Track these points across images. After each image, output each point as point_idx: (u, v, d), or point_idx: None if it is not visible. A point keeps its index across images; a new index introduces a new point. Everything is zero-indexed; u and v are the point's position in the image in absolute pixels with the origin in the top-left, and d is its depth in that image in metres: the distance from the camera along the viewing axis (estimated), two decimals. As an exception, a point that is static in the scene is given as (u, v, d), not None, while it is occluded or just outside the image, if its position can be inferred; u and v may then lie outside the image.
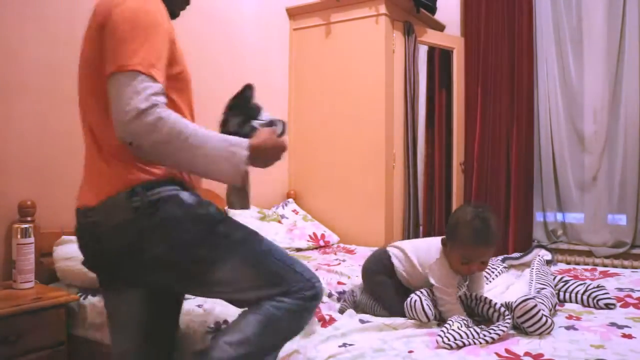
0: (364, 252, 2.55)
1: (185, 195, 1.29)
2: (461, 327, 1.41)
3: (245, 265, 1.29)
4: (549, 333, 1.41)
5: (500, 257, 2.14)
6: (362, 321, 1.59)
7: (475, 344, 1.35)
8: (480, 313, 1.59)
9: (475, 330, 1.40)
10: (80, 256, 1.92)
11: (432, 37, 3.53)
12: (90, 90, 1.38)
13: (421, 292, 1.60)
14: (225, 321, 1.59)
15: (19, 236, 1.91)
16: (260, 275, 1.30)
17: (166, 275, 1.29)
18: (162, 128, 1.14)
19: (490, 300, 1.56)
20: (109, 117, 1.21)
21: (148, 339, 1.42)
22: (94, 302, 1.88)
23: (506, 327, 1.41)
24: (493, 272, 2.04)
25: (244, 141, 1.25)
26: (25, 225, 1.93)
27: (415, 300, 1.55)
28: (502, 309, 1.51)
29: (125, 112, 1.13)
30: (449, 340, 1.33)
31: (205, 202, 1.33)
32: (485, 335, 1.37)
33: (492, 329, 1.41)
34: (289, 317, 1.29)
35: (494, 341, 1.36)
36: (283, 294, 1.28)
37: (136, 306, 1.40)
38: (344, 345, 1.39)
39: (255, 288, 1.29)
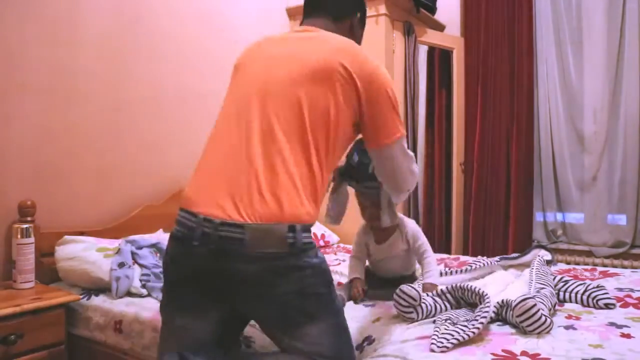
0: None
1: (316, 249, 1.33)
2: (448, 328, 1.41)
3: (329, 333, 1.32)
4: (548, 332, 1.41)
5: (496, 257, 2.14)
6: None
7: (468, 336, 1.35)
8: (467, 300, 1.62)
9: (463, 324, 1.41)
10: (83, 256, 1.93)
11: (432, 37, 3.53)
12: (317, 123, 1.34)
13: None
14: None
15: (19, 236, 1.92)
16: (335, 346, 1.32)
17: (273, 311, 1.30)
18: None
19: (472, 287, 1.58)
20: (328, 153, 1.34)
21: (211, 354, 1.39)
22: (97, 302, 1.89)
23: (487, 309, 1.42)
24: (481, 269, 2.04)
25: None
26: (25, 225, 1.94)
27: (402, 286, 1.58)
28: (481, 291, 1.53)
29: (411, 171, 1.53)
30: (442, 344, 1.33)
31: (323, 257, 1.37)
32: (473, 325, 1.38)
33: (477, 315, 1.42)
34: None
35: (483, 326, 1.38)
36: None
37: (214, 325, 1.37)
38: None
39: (322, 355, 1.30)
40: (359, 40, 1.69)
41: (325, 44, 1.42)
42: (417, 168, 1.58)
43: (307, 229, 1.29)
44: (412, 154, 1.55)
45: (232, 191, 1.29)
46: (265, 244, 1.25)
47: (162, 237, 2.28)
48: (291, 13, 3.52)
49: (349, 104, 1.37)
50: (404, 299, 1.57)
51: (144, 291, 1.94)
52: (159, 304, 1.46)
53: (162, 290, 1.43)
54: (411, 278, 1.96)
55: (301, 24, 1.60)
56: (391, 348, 1.38)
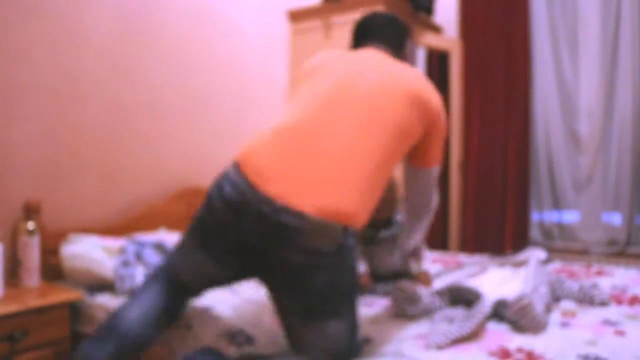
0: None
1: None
2: (445, 325, 1.44)
3: (347, 330, 1.34)
4: (543, 330, 1.44)
5: (487, 255, 2.16)
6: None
7: (464, 333, 1.37)
8: (463, 298, 1.65)
9: (459, 323, 1.43)
10: (87, 255, 1.95)
11: (429, 39, 3.56)
12: (393, 140, 1.43)
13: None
14: (242, 331, 1.59)
15: (24, 235, 1.94)
16: (349, 343, 1.35)
17: (303, 300, 1.32)
18: None
19: (468, 285, 1.62)
20: (390, 167, 1.44)
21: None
22: (102, 300, 1.90)
23: (483, 307, 1.45)
24: (476, 266, 2.07)
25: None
26: (30, 224, 1.96)
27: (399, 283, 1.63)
28: (477, 289, 1.57)
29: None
30: (438, 341, 1.35)
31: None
32: (470, 323, 1.41)
33: (474, 313, 1.44)
34: None
35: (479, 324, 1.41)
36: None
37: (224, 279, 1.45)
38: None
39: (337, 351, 1.33)
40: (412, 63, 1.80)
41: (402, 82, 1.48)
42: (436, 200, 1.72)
43: (355, 232, 1.35)
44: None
45: (300, 176, 1.30)
46: (319, 240, 1.27)
47: (164, 236, 2.31)
48: (291, 15, 3.54)
49: (416, 137, 1.51)
50: (402, 295, 1.60)
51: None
52: None
53: (190, 228, 1.45)
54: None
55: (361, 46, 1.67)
56: (389, 347, 1.40)
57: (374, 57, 1.54)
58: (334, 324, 1.32)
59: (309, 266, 1.29)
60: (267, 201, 1.27)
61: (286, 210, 1.26)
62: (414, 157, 1.60)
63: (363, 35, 1.66)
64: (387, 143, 1.39)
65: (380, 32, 1.65)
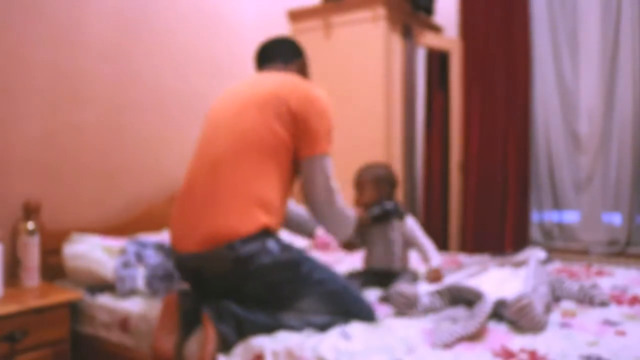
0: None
1: (270, 245, 1.54)
2: (449, 326, 1.44)
3: (320, 302, 1.54)
4: (542, 330, 1.44)
5: (487, 255, 2.16)
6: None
7: (469, 333, 1.38)
8: (464, 298, 1.65)
9: (463, 322, 1.44)
10: (89, 255, 2.01)
11: (430, 39, 3.56)
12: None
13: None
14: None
15: (23, 235, 1.94)
16: (334, 308, 1.54)
17: (262, 300, 1.55)
18: None
19: (469, 285, 1.62)
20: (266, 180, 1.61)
21: None
22: (103, 301, 1.91)
23: (486, 306, 1.46)
24: (476, 266, 2.07)
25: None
26: (30, 224, 1.96)
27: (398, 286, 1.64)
28: (478, 289, 1.57)
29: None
30: (444, 339, 1.35)
31: (287, 246, 1.58)
32: (474, 322, 1.41)
33: (476, 313, 1.45)
34: None
35: (481, 325, 1.41)
36: (350, 316, 1.54)
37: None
38: (344, 334, 1.43)
39: (331, 321, 1.52)
40: (308, 76, 2.01)
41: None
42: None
43: (249, 240, 1.50)
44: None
45: (183, 225, 1.63)
46: (215, 266, 1.54)
47: (167, 237, 2.30)
48: (291, 15, 3.54)
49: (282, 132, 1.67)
50: (402, 297, 1.60)
51: (149, 291, 1.95)
52: None
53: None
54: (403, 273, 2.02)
55: (259, 70, 1.93)
56: (394, 338, 1.40)
57: (252, 81, 1.76)
58: (302, 303, 1.53)
59: (230, 286, 1.55)
60: (178, 255, 1.64)
61: (185, 256, 1.59)
62: (300, 148, 1.67)
63: (260, 59, 1.94)
64: (251, 155, 1.58)
65: (273, 53, 1.91)
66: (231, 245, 1.50)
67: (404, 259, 2.06)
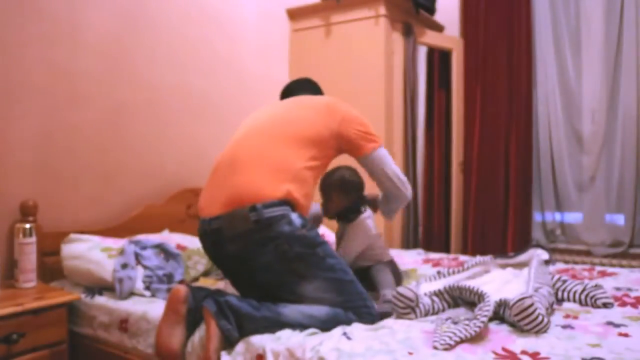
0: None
1: (294, 216, 1.60)
2: (450, 326, 1.43)
3: (326, 288, 1.58)
4: (545, 332, 1.42)
5: (489, 256, 2.15)
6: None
7: (470, 334, 1.36)
8: (465, 299, 1.64)
9: (464, 324, 1.42)
10: (87, 256, 2.02)
11: (431, 38, 3.54)
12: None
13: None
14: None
15: (20, 235, 1.92)
16: (337, 297, 1.58)
17: (267, 277, 1.60)
18: None
19: (470, 286, 1.60)
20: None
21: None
22: (101, 301, 1.89)
23: (488, 308, 1.44)
24: (478, 266, 2.05)
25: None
26: (27, 225, 1.94)
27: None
28: (480, 290, 1.55)
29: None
30: (445, 341, 1.34)
31: (310, 225, 1.65)
32: (475, 324, 1.40)
33: (478, 315, 1.43)
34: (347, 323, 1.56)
35: (483, 326, 1.40)
36: (350, 310, 1.58)
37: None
38: (346, 335, 1.42)
39: (329, 305, 1.56)
40: None
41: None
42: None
43: (272, 204, 1.57)
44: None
45: (215, 191, 1.70)
46: (235, 226, 1.59)
47: (166, 237, 2.29)
48: (291, 14, 3.53)
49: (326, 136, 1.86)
50: (402, 301, 1.58)
51: (148, 292, 1.94)
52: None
53: None
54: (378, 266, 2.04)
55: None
56: (395, 339, 1.39)
57: (292, 99, 1.95)
58: (307, 286, 1.57)
59: (246, 248, 1.58)
60: (202, 220, 1.70)
61: (209, 220, 1.66)
62: (350, 152, 1.88)
63: (286, 93, 2.12)
64: (296, 137, 1.72)
65: (299, 89, 2.09)
66: (254, 207, 1.56)
67: (372, 255, 2.07)
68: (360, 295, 1.61)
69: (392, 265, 2.10)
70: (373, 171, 1.90)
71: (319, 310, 1.53)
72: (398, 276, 2.09)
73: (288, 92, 2.11)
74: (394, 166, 1.91)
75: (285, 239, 1.56)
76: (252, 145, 1.73)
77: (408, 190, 1.96)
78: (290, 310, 1.51)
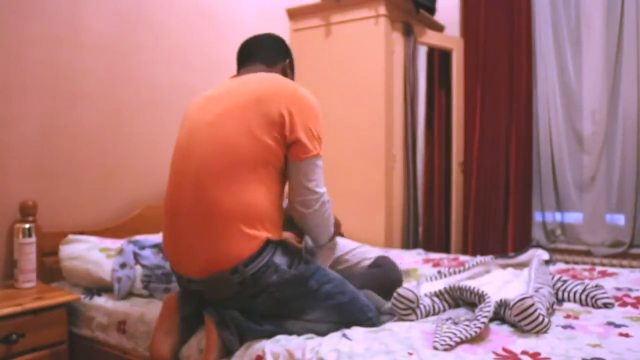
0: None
1: (278, 260, 1.48)
2: (450, 327, 1.43)
3: (327, 314, 1.52)
4: (545, 332, 1.42)
5: (489, 256, 2.14)
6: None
7: (471, 335, 1.36)
8: (465, 300, 1.64)
9: (464, 323, 1.42)
10: (86, 256, 1.99)
11: (431, 37, 3.54)
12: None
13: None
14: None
15: (20, 236, 1.92)
16: (340, 319, 1.53)
17: (273, 314, 1.52)
18: None
19: (471, 286, 1.60)
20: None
21: None
22: (100, 302, 1.89)
23: (489, 308, 1.44)
24: (478, 267, 2.05)
25: None
26: (27, 225, 1.94)
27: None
28: (480, 290, 1.55)
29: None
30: (445, 342, 1.34)
31: (295, 256, 1.54)
32: (475, 325, 1.39)
33: (478, 315, 1.43)
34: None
35: (483, 327, 1.39)
36: (353, 326, 1.53)
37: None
38: (345, 336, 1.42)
39: (333, 329, 1.50)
40: (293, 79, 1.87)
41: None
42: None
43: (252, 259, 1.44)
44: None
45: (180, 249, 1.55)
46: (218, 290, 1.48)
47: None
48: (291, 14, 3.53)
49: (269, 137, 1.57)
50: (402, 302, 1.58)
51: (146, 292, 1.93)
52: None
53: None
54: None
55: (238, 72, 1.78)
56: (395, 340, 1.39)
57: (228, 85, 1.64)
58: (309, 316, 1.51)
59: (238, 305, 1.49)
60: (178, 276, 1.59)
61: (187, 281, 1.54)
62: (290, 152, 1.54)
63: (240, 59, 1.81)
64: (235, 166, 1.47)
65: (254, 53, 1.78)
66: (235, 269, 1.43)
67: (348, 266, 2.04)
68: (361, 311, 1.56)
69: (376, 269, 1.99)
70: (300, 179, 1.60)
71: (322, 327, 1.50)
72: (387, 273, 1.99)
73: (243, 57, 1.80)
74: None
75: (275, 288, 1.47)
76: (204, 190, 1.47)
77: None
78: (293, 325, 1.49)
